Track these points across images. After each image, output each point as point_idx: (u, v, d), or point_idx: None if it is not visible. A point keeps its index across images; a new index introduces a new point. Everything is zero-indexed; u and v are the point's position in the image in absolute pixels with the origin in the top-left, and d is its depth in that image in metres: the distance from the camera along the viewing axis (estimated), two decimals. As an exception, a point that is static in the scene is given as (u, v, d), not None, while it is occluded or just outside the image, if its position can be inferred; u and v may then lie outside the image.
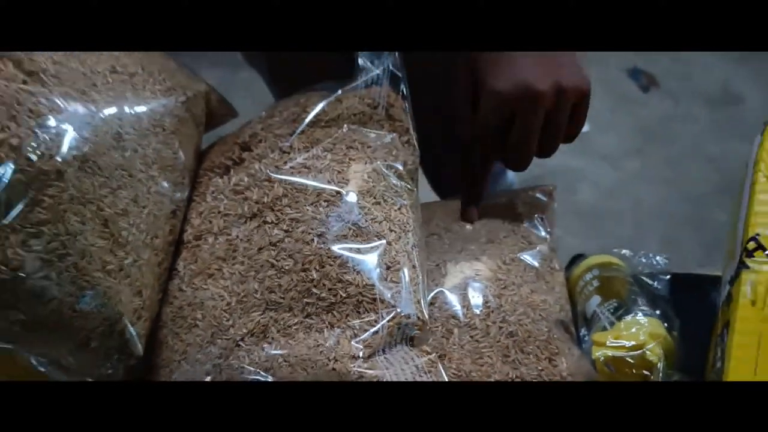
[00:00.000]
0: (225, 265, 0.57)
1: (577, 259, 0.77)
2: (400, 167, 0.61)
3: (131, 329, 0.54)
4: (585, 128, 2.25)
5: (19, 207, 0.48)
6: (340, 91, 0.63)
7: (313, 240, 0.55)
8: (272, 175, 0.59)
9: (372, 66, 0.65)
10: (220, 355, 0.54)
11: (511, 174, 1.20)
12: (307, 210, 0.56)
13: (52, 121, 0.50)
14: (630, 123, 2.26)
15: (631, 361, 0.56)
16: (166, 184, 0.58)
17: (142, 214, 0.56)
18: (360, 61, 0.65)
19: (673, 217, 2.03)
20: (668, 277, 0.67)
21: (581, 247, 1.86)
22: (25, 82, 0.50)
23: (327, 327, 0.52)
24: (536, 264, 0.66)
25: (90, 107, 0.53)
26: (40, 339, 0.51)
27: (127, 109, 0.56)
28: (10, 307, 0.49)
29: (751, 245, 0.50)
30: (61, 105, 0.51)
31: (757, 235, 0.50)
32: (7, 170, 0.47)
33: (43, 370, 0.52)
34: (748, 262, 0.50)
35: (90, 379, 0.55)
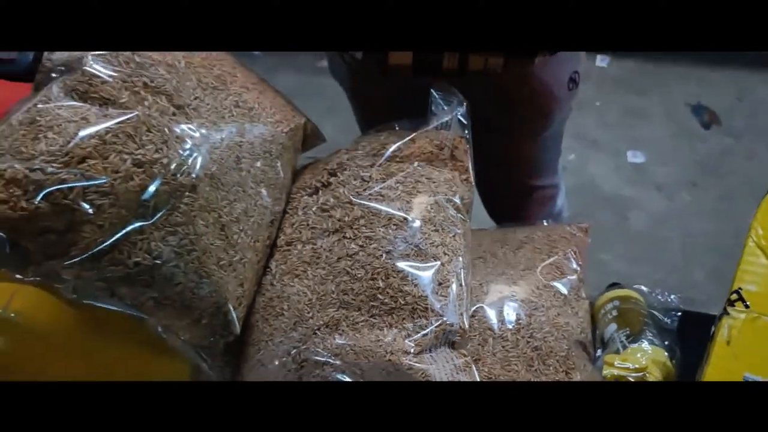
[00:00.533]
0: (309, 269, 0.71)
1: (613, 286, 0.88)
2: (458, 201, 0.74)
3: (233, 313, 0.69)
4: (641, 159, 2.34)
5: (163, 211, 0.62)
6: (414, 133, 0.76)
7: (382, 255, 0.68)
8: (353, 199, 0.72)
9: (443, 112, 0.78)
10: (299, 339, 0.68)
11: (560, 200, 1.30)
12: (380, 231, 0.69)
13: (191, 146, 0.64)
14: (687, 156, 2.31)
15: (633, 380, 0.68)
16: (268, 199, 0.73)
17: (249, 222, 0.70)
18: (433, 107, 0.79)
19: (722, 250, 2.08)
20: (679, 314, 0.78)
21: (629, 272, 1.95)
22: (174, 114, 0.65)
23: (387, 326, 0.66)
24: (565, 291, 0.78)
25: (218, 135, 0.68)
26: (166, 314, 0.66)
27: (245, 138, 0.70)
28: (147, 286, 0.64)
29: (734, 296, 0.61)
30: (198, 133, 0.66)
31: (740, 288, 0.62)
32: (158, 183, 0.62)
33: (165, 337, 0.67)
34: (729, 309, 0.61)
35: (198, 348, 0.69)
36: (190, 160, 0.64)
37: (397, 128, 0.80)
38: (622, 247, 2.01)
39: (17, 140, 0.59)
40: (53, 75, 0.64)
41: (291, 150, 0.78)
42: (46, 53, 0.65)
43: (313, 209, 0.75)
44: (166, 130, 0.63)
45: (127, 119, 0.61)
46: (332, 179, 0.76)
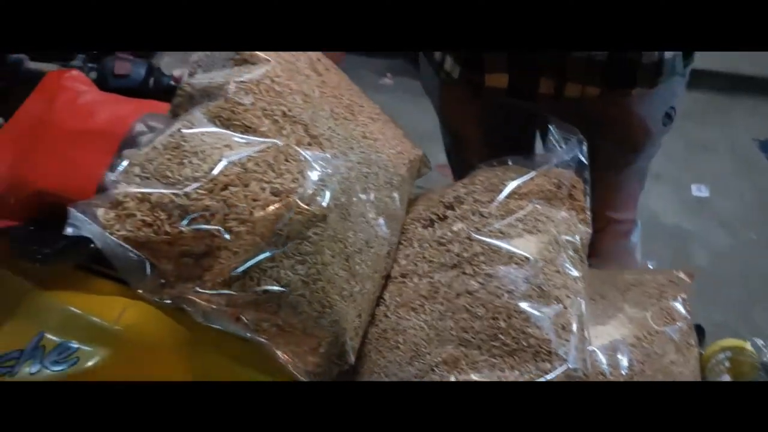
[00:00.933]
0: (427, 303, 0.70)
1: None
2: (577, 242, 0.73)
3: (350, 343, 0.68)
4: (705, 193, 2.29)
5: (295, 240, 0.62)
6: (534, 172, 0.75)
7: (503, 294, 0.67)
8: (473, 234, 0.72)
9: (562, 150, 0.77)
10: (415, 375, 0.67)
11: (635, 237, 1.28)
12: (500, 269, 0.69)
13: (323, 175, 0.64)
14: (754, 193, 2.27)
15: None
16: (387, 230, 0.72)
17: (369, 253, 0.70)
18: (552, 145, 0.78)
19: (784, 290, 2.05)
20: (793, 368, 0.76)
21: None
22: (309, 144, 0.65)
23: (508, 368, 0.65)
24: (676, 338, 0.76)
25: (348, 165, 0.68)
26: (286, 340, 0.66)
27: (371, 168, 0.70)
28: (272, 313, 0.64)
29: None
30: (331, 163, 0.66)
31: None
32: (292, 212, 0.62)
33: (281, 362, 0.67)
34: None
35: (311, 374, 0.69)
36: (322, 191, 0.64)
37: (510, 163, 0.79)
38: (681, 281, 1.98)
39: (162, 164, 0.59)
40: (193, 100, 0.64)
41: (408, 181, 0.78)
42: (185, 78, 0.66)
43: (430, 242, 0.74)
44: (302, 159, 0.63)
45: (268, 148, 0.62)
46: (449, 212, 0.76)
